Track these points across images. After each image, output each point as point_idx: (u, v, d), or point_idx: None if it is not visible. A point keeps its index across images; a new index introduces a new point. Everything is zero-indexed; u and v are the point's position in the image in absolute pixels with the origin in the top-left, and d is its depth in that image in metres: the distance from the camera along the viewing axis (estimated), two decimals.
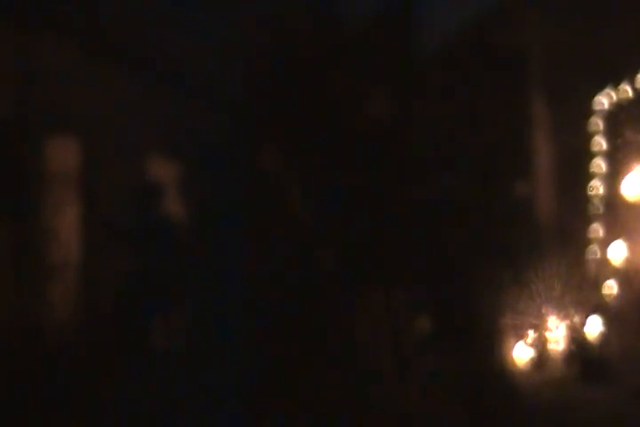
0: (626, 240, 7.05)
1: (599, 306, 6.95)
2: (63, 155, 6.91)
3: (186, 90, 7.10)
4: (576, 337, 6.91)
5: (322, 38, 7.17)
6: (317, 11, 7.25)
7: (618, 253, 7.05)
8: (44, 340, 6.58)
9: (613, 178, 7.15)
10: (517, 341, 6.92)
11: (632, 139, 7.08)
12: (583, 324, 6.94)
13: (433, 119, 7.19)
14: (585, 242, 7.12)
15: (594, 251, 7.11)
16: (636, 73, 7.12)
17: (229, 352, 6.58)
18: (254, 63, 7.08)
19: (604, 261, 7.07)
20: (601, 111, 7.20)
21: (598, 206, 7.16)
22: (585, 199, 7.17)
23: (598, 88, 7.19)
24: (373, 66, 7.13)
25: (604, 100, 7.19)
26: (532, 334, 6.91)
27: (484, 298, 6.75)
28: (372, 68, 7.12)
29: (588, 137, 7.21)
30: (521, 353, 6.91)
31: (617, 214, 7.11)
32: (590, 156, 7.21)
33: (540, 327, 6.93)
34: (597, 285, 7.02)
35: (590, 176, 7.19)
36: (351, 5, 7.17)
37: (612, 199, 7.12)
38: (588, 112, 7.20)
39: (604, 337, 6.89)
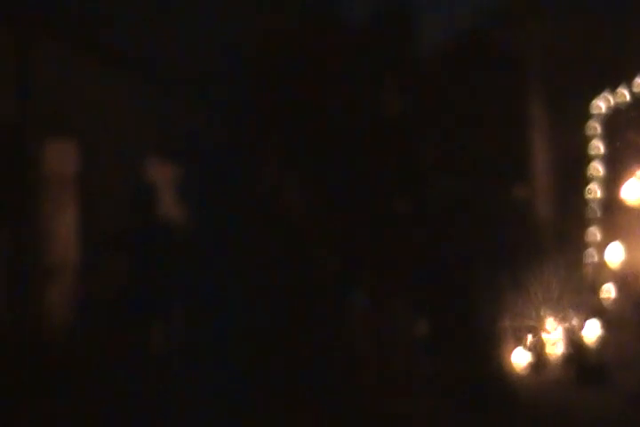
0: (623, 243, 7.07)
1: (597, 309, 6.95)
2: (62, 157, 6.91)
3: (185, 90, 7.09)
4: (574, 340, 6.91)
5: (322, 38, 7.18)
6: (317, 11, 7.26)
7: (615, 256, 7.06)
8: (42, 341, 6.58)
9: (611, 181, 7.16)
10: (515, 344, 6.92)
11: (630, 142, 7.09)
12: (581, 327, 6.95)
13: (431, 121, 7.20)
14: (582, 245, 7.12)
15: (591, 254, 7.12)
16: (634, 77, 7.14)
17: (227, 353, 6.59)
18: (254, 63, 7.09)
19: (602, 265, 7.08)
20: (599, 115, 7.21)
21: (596, 210, 7.16)
22: (582, 203, 7.18)
23: (596, 92, 7.20)
24: (373, 66, 7.14)
25: (601, 104, 7.21)
26: (530, 337, 6.92)
27: (483, 301, 6.76)
28: (372, 69, 7.13)
29: (586, 140, 7.22)
30: (519, 356, 6.91)
31: (614, 218, 7.12)
32: (588, 159, 7.21)
33: (537, 331, 6.94)
34: (595, 288, 7.02)
35: (588, 180, 7.20)
36: (351, 6, 7.19)
37: (610, 203, 7.13)
38: (585, 116, 7.21)
39: (602, 341, 6.90)
